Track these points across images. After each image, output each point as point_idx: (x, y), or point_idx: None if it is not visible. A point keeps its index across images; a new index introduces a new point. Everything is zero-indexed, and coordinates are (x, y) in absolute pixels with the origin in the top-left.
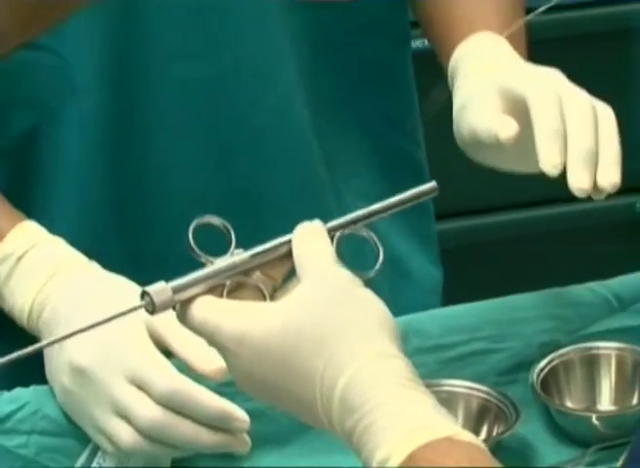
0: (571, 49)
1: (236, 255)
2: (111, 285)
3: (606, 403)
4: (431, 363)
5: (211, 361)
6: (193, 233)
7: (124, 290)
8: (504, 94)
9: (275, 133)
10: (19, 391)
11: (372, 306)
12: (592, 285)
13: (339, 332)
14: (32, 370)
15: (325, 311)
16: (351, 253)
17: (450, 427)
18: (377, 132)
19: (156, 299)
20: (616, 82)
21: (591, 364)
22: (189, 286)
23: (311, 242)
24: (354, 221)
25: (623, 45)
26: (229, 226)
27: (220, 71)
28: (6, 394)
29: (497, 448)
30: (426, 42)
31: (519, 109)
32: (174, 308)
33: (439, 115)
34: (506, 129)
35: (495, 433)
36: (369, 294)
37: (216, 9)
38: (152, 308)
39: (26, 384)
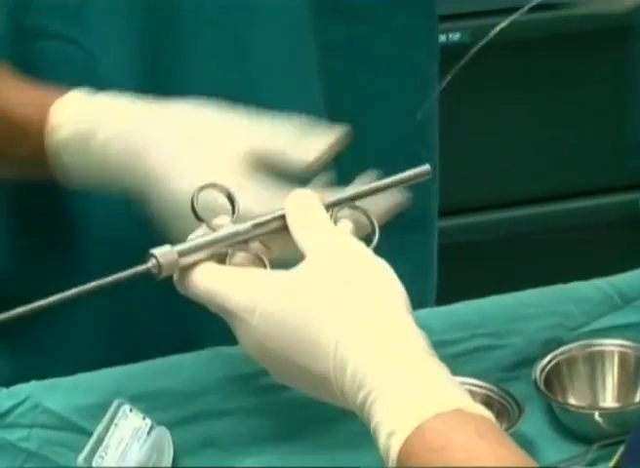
0: (572, 47)
1: (238, 224)
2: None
3: (609, 400)
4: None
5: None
6: (196, 200)
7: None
8: None
9: None
10: (19, 386)
11: (382, 275)
12: (595, 281)
13: (350, 305)
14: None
15: (336, 283)
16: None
17: (460, 399)
18: (397, 141)
19: (162, 261)
20: (616, 81)
21: (594, 360)
22: (194, 251)
23: (306, 211)
24: (350, 199)
25: (623, 43)
26: (233, 194)
27: (247, 74)
28: (5, 389)
29: None
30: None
31: None
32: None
33: (441, 114)
34: None
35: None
36: (378, 263)
37: (246, 11)
38: (158, 270)
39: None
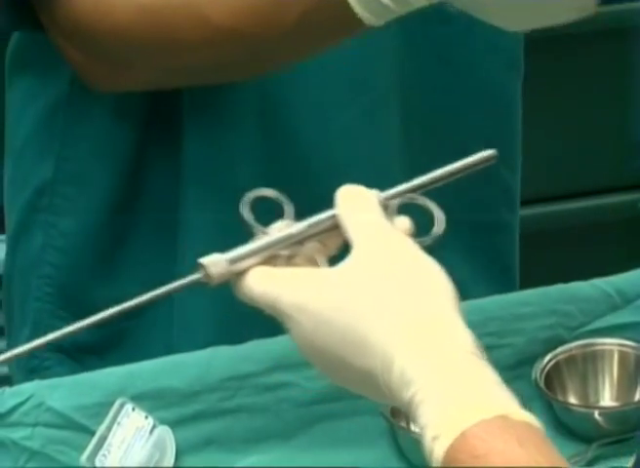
0: (572, 47)
1: (293, 226)
2: None
3: (608, 399)
4: None
5: None
6: (249, 206)
7: None
8: None
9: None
10: (22, 385)
11: (430, 273)
12: (595, 281)
13: (398, 302)
14: None
15: (384, 280)
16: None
17: (506, 404)
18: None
19: (212, 271)
20: (616, 81)
21: (594, 360)
22: (245, 257)
23: (357, 206)
24: (413, 190)
25: (625, 43)
26: (285, 198)
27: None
28: (8, 388)
29: None
30: None
31: None
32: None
33: None
34: None
35: None
36: (426, 260)
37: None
38: (209, 279)
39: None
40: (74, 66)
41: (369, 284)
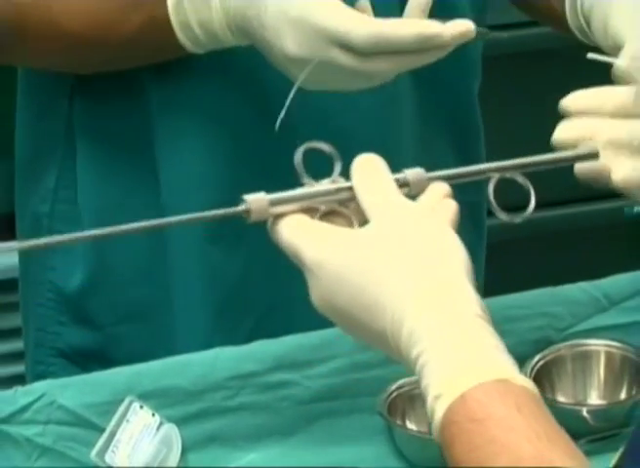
0: (566, 58)
1: (337, 183)
2: None
3: (595, 397)
4: None
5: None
6: (302, 155)
7: None
8: None
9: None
10: (34, 384)
11: (443, 240)
12: (583, 284)
13: (411, 267)
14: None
15: (399, 244)
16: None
17: (505, 369)
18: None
19: (253, 207)
20: None
21: (582, 360)
22: (286, 201)
23: (370, 174)
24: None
25: None
26: (338, 154)
27: None
28: (21, 387)
29: None
30: None
31: None
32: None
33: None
34: None
35: None
36: (439, 227)
37: None
38: (248, 214)
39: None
40: None
41: (384, 248)
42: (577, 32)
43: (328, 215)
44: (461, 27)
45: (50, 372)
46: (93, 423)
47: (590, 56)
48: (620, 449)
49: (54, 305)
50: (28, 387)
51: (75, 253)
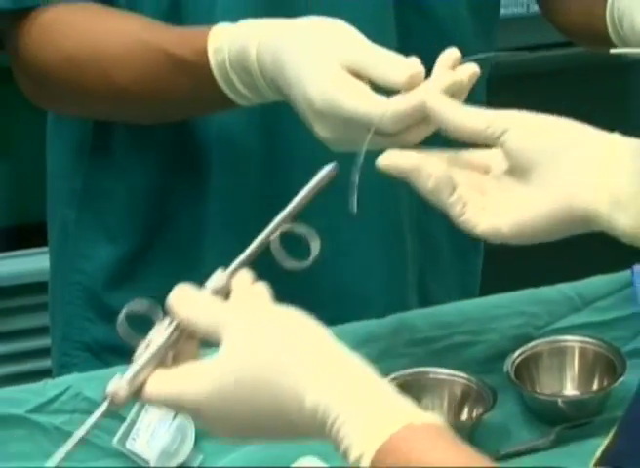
0: (569, 81)
1: (164, 332)
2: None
3: (570, 388)
4: (420, 353)
5: (400, 66)
6: (125, 323)
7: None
8: None
9: None
10: (61, 378)
11: (286, 318)
12: (559, 286)
13: (282, 357)
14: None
15: (255, 346)
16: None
17: (409, 413)
18: None
19: (121, 395)
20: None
21: (558, 355)
22: (141, 371)
23: (194, 302)
24: (276, 228)
25: (624, 78)
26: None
27: None
28: (50, 380)
29: (477, 426)
30: None
31: None
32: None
33: None
34: None
35: (475, 414)
36: (286, 311)
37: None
38: (119, 405)
39: None
40: (16, 78)
41: (251, 358)
42: (613, 36)
43: (176, 357)
44: (469, 71)
45: (73, 364)
46: (114, 413)
47: (613, 50)
48: (612, 431)
49: (81, 303)
50: (56, 380)
51: (103, 258)
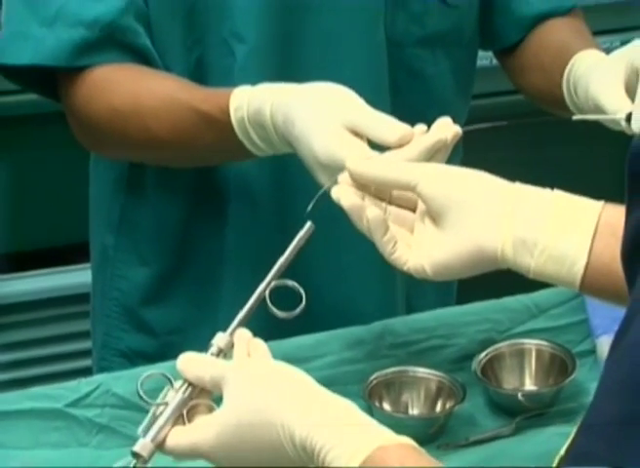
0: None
1: (178, 393)
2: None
3: (529, 384)
4: (401, 355)
5: (393, 128)
6: (142, 388)
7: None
8: (629, 61)
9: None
10: (93, 377)
11: (278, 370)
12: (519, 297)
13: (277, 402)
14: None
15: (253, 395)
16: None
17: (383, 436)
18: None
19: (145, 454)
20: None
21: (518, 355)
22: (162, 429)
23: (199, 364)
24: (268, 284)
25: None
26: (172, 378)
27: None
28: (84, 379)
29: (449, 417)
30: None
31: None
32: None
33: None
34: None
35: (447, 406)
36: (267, 365)
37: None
38: (145, 462)
39: None
40: (71, 126)
41: (247, 405)
42: (569, 102)
43: (190, 412)
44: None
45: (110, 368)
46: (139, 406)
47: (575, 117)
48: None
49: (118, 316)
50: (89, 379)
51: (137, 279)
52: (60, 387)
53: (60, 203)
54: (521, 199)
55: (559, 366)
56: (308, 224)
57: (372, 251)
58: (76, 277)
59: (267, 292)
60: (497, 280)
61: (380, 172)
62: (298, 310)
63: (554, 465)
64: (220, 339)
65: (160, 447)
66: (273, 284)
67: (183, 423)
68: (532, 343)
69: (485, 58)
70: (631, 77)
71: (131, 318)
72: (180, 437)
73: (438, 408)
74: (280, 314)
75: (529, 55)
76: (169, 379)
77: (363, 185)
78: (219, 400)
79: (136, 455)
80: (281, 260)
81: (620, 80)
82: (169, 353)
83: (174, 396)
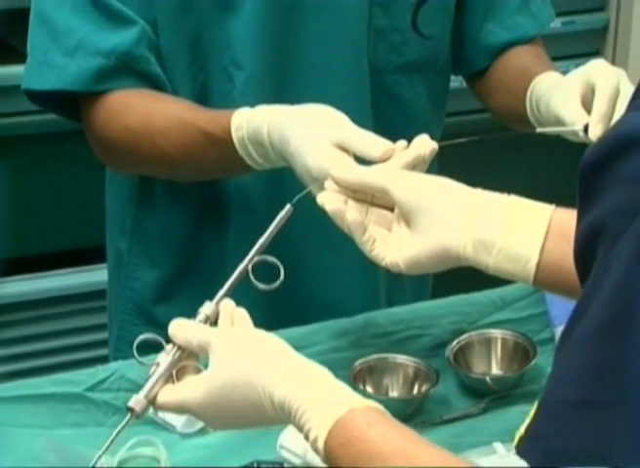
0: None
1: (169, 355)
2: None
3: (495, 369)
4: (382, 343)
5: (377, 144)
6: (137, 348)
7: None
8: (584, 79)
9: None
10: (109, 364)
11: (258, 336)
12: (486, 292)
13: (259, 363)
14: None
15: (237, 358)
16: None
17: (353, 400)
18: None
19: (138, 409)
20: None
21: (486, 343)
22: (154, 387)
23: (186, 331)
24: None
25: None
26: (163, 342)
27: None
28: (101, 366)
29: (425, 398)
30: None
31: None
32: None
33: None
34: (595, 130)
35: (423, 389)
36: (247, 331)
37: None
38: (138, 415)
39: None
40: (91, 144)
41: (233, 366)
42: (531, 118)
43: (179, 373)
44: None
45: (125, 357)
46: None
47: (538, 130)
48: (535, 406)
49: (131, 313)
50: (105, 366)
51: (148, 280)
52: (79, 373)
53: (73, 213)
54: (481, 203)
55: (522, 352)
56: (288, 206)
57: (358, 255)
58: (93, 276)
59: (250, 267)
60: (467, 277)
61: (358, 177)
62: (277, 283)
63: (515, 443)
64: (206, 308)
65: (152, 402)
66: (256, 259)
67: (173, 383)
68: (498, 333)
69: (457, 80)
70: (587, 92)
71: (142, 314)
72: (170, 394)
73: (415, 390)
74: (261, 286)
75: (495, 78)
76: (160, 343)
77: (345, 190)
78: (205, 364)
79: (130, 409)
80: (262, 239)
81: (578, 95)
82: None
83: (165, 358)
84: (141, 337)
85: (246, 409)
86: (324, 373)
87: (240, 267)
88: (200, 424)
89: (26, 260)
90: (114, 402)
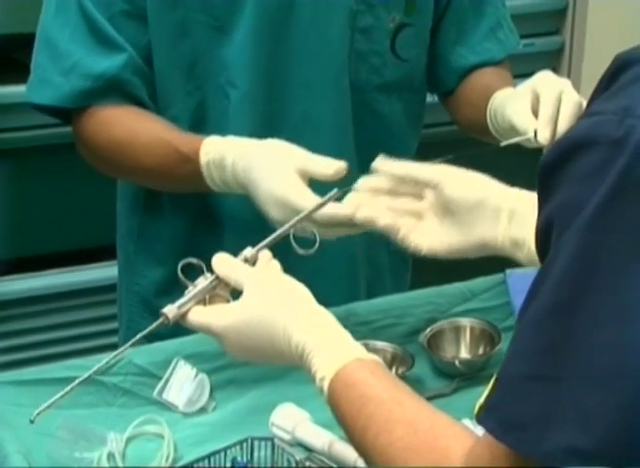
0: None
1: (207, 281)
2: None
3: (464, 353)
4: (363, 331)
5: (329, 165)
6: (181, 273)
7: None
8: (532, 89)
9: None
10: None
11: (285, 282)
12: (456, 284)
13: (282, 306)
14: None
15: (266, 298)
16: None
17: (359, 352)
18: None
19: (170, 316)
20: None
21: (455, 330)
22: (186, 303)
23: (226, 265)
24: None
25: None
26: (204, 267)
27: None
28: (111, 353)
29: (402, 380)
30: None
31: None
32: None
33: None
34: (544, 133)
35: (400, 372)
36: (278, 276)
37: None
38: (168, 321)
39: None
40: (81, 153)
41: (260, 302)
42: (491, 127)
43: (211, 299)
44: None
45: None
46: (154, 374)
47: (502, 143)
48: (490, 383)
49: (138, 306)
50: (115, 352)
51: (154, 277)
52: (90, 359)
53: (85, 214)
54: (518, 204)
55: (488, 339)
56: (335, 190)
57: (340, 254)
58: (105, 272)
59: (292, 232)
60: (437, 271)
61: (409, 170)
62: (314, 248)
63: (475, 412)
64: (247, 251)
65: (182, 318)
66: (296, 227)
67: (204, 305)
68: (466, 321)
69: (432, 95)
70: (534, 101)
71: (148, 306)
72: (199, 314)
73: (393, 372)
74: (300, 251)
75: (463, 95)
76: (201, 268)
77: (377, 190)
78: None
79: (162, 314)
80: (309, 210)
81: (527, 104)
82: (176, 334)
83: (202, 282)
84: (184, 261)
85: (265, 342)
86: (339, 327)
87: (285, 227)
88: (200, 404)
89: (41, 258)
90: (122, 384)
